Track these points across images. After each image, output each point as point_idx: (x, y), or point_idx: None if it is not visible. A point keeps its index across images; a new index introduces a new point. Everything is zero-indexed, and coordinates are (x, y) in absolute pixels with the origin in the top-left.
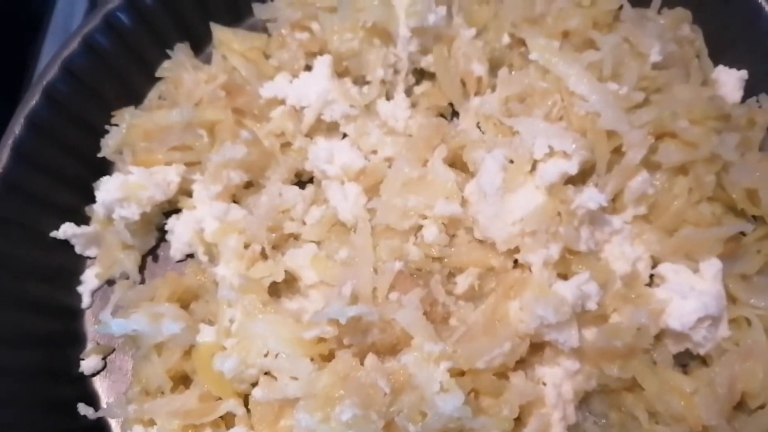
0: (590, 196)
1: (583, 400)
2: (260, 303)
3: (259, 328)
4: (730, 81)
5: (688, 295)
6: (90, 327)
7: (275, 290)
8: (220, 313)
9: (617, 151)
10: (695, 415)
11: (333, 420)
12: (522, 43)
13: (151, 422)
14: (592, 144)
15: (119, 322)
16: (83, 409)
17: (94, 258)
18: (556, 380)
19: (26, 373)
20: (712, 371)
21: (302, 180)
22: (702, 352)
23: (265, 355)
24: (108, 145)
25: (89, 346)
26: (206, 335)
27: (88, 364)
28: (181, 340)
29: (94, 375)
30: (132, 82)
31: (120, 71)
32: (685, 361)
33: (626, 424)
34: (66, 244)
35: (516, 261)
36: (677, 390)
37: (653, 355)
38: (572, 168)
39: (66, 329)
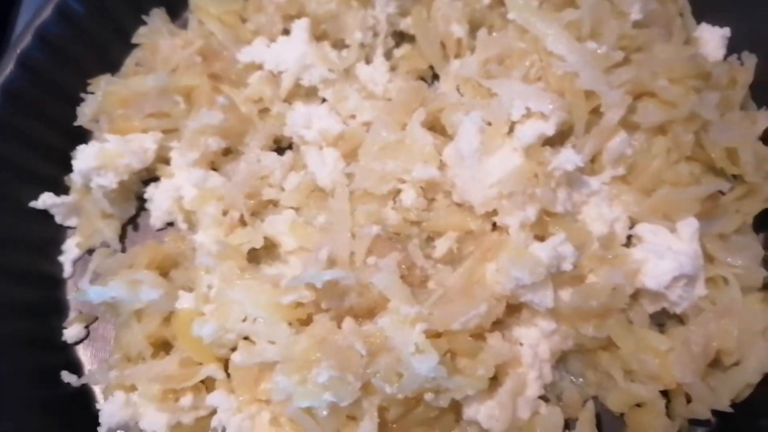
0: (567, 158)
1: (560, 360)
2: (238, 269)
3: (237, 293)
4: (712, 39)
5: (665, 255)
6: (72, 296)
7: (254, 257)
8: (199, 280)
9: (595, 112)
10: (670, 374)
11: (310, 382)
12: (502, 3)
13: (133, 388)
14: (569, 105)
15: (97, 290)
16: (66, 376)
17: (75, 228)
18: (533, 340)
19: (10, 342)
20: (687, 330)
21: (281, 146)
22: (678, 311)
23: (244, 321)
24: (85, 114)
25: (72, 315)
26: (185, 302)
27: (70, 332)
28: (160, 306)
29: (77, 343)
30: (108, 49)
31: (96, 38)
32: (662, 320)
33: (602, 382)
34: (46, 215)
35: (494, 224)
36: (652, 349)
37: (629, 315)
38: (549, 129)
39: (48, 298)
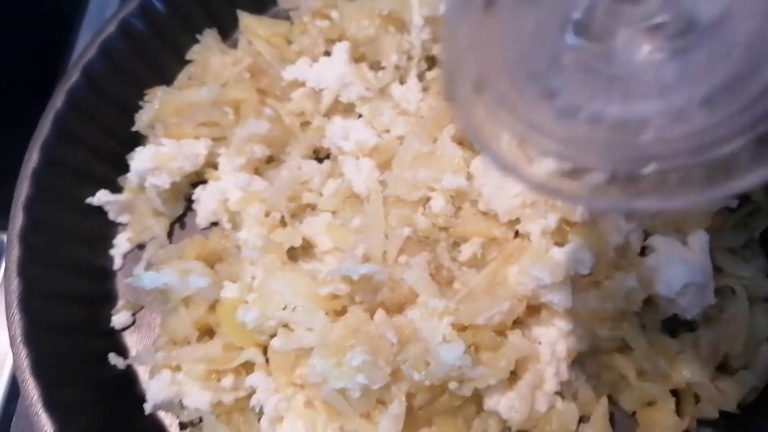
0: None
1: (577, 360)
2: (279, 262)
3: (278, 284)
4: None
5: (677, 264)
6: (121, 287)
7: (293, 255)
8: (243, 271)
9: None
10: (679, 373)
11: (345, 365)
12: None
13: (178, 368)
14: None
15: (151, 276)
16: (113, 359)
17: (126, 224)
18: (551, 339)
19: (65, 328)
20: (696, 335)
21: (320, 157)
22: (689, 316)
23: (284, 309)
24: (142, 120)
25: (120, 302)
26: (230, 291)
27: (118, 319)
28: (207, 294)
29: (123, 330)
30: (163, 64)
31: (152, 54)
32: (674, 327)
33: (616, 382)
34: (100, 211)
35: (517, 232)
36: (663, 350)
37: (643, 320)
38: None
39: (100, 289)
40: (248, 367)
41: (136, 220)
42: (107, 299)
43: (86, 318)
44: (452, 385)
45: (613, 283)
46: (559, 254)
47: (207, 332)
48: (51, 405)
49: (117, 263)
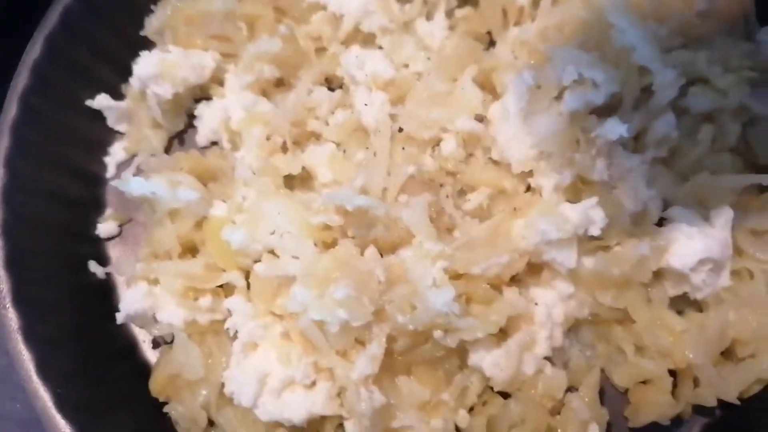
0: (612, 127)
1: (573, 329)
2: (274, 186)
3: (270, 207)
4: None
5: (695, 237)
6: (111, 195)
7: (290, 185)
8: (235, 190)
9: (646, 91)
10: (681, 352)
11: (327, 297)
12: None
13: (156, 281)
14: (622, 77)
15: (139, 181)
16: (93, 266)
17: (124, 134)
18: (549, 302)
19: (48, 227)
20: (705, 315)
21: (331, 86)
22: (699, 296)
23: (272, 234)
24: (152, 24)
25: (108, 211)
26: (219, 210)
27: (104, 228)
28: (195, 209)
29: (108, 240)
30: None
31: None
32: (681, 307)
33: (612, 356)
34: (99, 116)
35: (528, 187)
36: (667, 327)
37: (650, 293)
38: (598, 98)
39: (89, 194)
40: (228, 290)
41: (134, 129)
42: (95, 206)
43: (70, 221)
44: (437, 333)
45: (624, 248)
46: (569, 210)
47: (190, 250)
48: (20, 300)
49: (110, 171)
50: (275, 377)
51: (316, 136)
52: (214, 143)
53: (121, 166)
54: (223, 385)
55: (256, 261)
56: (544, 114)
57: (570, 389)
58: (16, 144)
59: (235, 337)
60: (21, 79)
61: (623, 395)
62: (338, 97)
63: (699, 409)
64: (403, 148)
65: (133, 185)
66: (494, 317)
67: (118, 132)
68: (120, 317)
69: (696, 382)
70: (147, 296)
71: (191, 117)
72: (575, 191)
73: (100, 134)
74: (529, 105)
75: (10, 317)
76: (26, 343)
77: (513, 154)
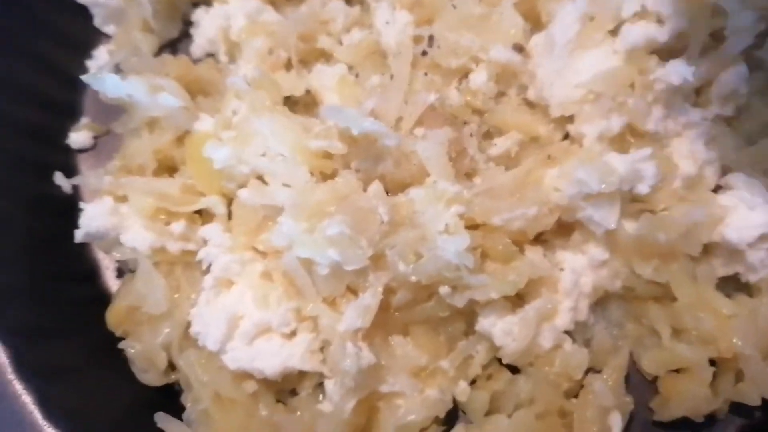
0: (676, 70)
1: (600, 302)
2: (270, 102)
3: (263, 125)
4: None
5: (757, 208)
6: (87, 103)
7: (291, 108)
8: (225, 102)
9: (717, 37)
10: (729, 339)
11: (318, 233)
12: None
13: (124, 199)
14: (692, 14)
15: (114, 80)
16: (59, 178)
17: (111, 37)
18: (577, 267)
19: (18, 128)
20: (758, 301)
21: (349, 2)
22: (753, 279)
23: (262, 156)
24: None
25: (83, 120)
26: (204, 124)
27: (77, 137)
28: (177, 120)
29: (80, 152)
30: None
31: None
32: (729, 291)
33: (643, 338)
34: (86, 13)
35: (566, 135)
36: (714, 309)
37: (696, 270)
38: (662, 35)
39: (64, 98)
40: (206, 217)
41: (122, 31)
42: (70, 112)
43: (40, 125)
44: (443, 289)
45: (674, 213)
46: (616, 160)
47: (168, 169)
48: None
49: None
50: (249, 321)
51: (326, 56)
52: (211, 56)
53: (103, 71)
54: (189, 324)
55: (241, 186)
56: (595, 49)
57: (590, 370)
58: None
59: (207, 270)
60: None
61: (650, 384)
62: (356, 14)
63: (737, 408)
64: (426, 74)
65: (108, 83)
66: (512, 277)
67: (104, 34)
68: (78, 235)
69: (738, 377)
70: (111, 214)
71: (187, 24)
72: (622, 143)
73: (85, 34)
74: (579, 38)
75: None
76: None
77: (553, 94)
